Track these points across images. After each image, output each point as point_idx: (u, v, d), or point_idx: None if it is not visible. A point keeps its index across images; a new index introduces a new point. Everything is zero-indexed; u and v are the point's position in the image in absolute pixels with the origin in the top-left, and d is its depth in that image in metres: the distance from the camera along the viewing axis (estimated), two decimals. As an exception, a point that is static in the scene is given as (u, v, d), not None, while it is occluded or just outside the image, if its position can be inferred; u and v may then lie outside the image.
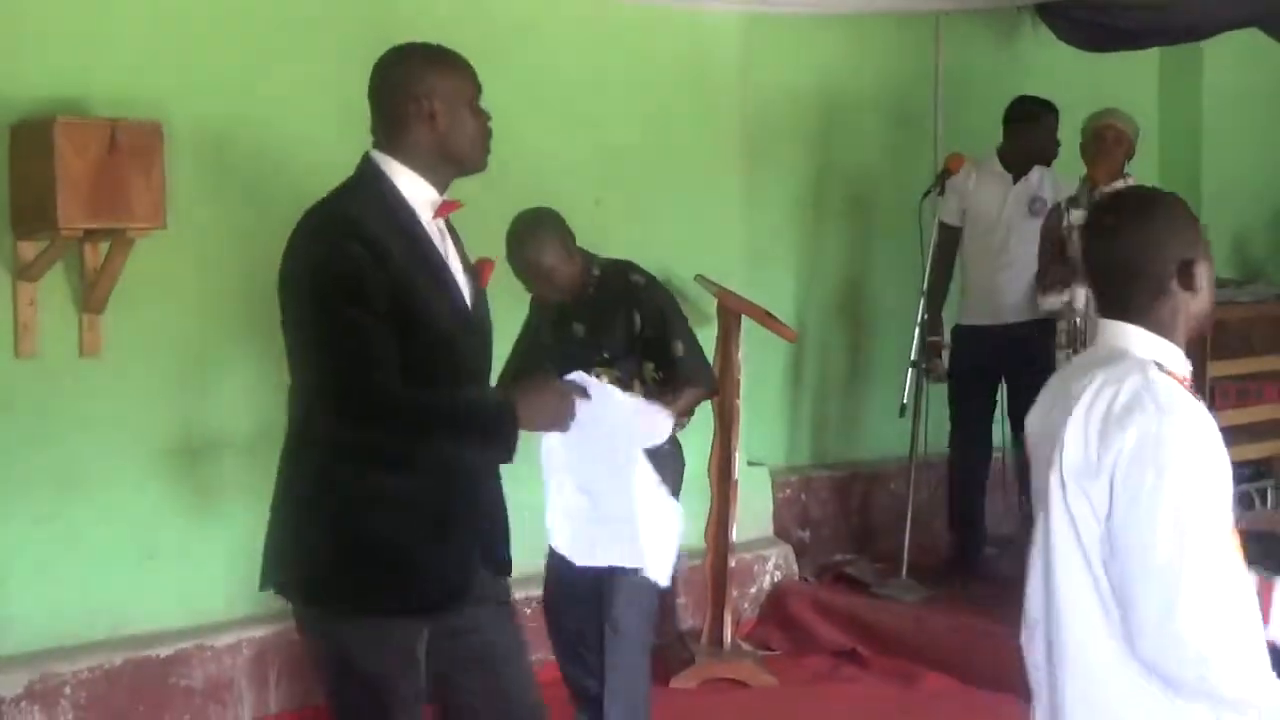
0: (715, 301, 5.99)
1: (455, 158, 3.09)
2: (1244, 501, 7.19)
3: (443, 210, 3.11)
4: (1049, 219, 6.06)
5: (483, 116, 3.13)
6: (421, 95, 3.03)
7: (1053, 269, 5.89)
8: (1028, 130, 6.52)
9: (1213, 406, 6.84)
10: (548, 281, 4.61)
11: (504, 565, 3.24)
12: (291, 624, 5.29)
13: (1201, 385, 6.79)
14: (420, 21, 5.66)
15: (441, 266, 3.07)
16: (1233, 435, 7.00)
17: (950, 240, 6.58)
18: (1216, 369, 6.59)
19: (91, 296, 4.96)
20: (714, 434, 5.92)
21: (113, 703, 4.98)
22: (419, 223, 3.05)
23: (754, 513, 6.52)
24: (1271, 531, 6.57)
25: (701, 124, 6.45)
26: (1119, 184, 5.88)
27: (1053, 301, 5.88)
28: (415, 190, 3.06)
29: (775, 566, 6.56)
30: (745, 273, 6.45)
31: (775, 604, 6.45)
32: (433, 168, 3.07)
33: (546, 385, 3.12)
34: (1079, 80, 7.21)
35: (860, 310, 7.39)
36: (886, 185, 7.23)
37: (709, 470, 5.93)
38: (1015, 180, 6.52)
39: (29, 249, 4.87)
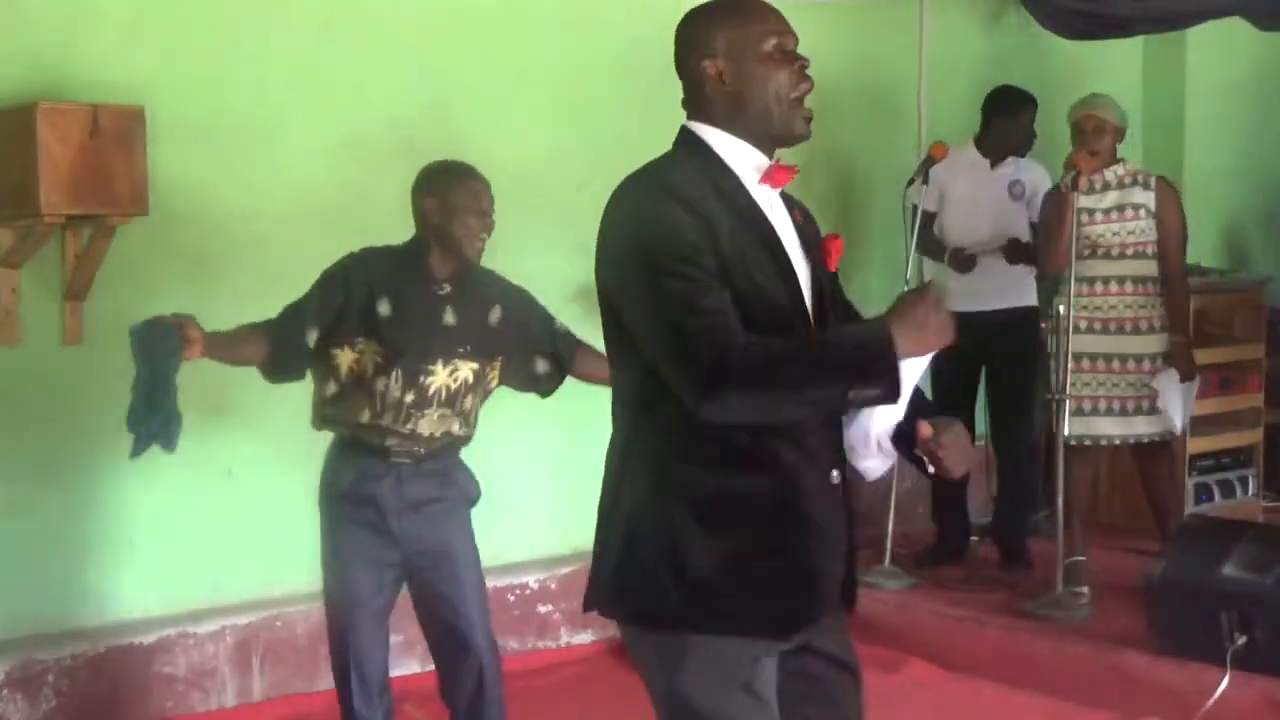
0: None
1: (758, 117, 2.71)
2: (1225, 489, 7.23)
3: (773, 177, 2.74)
4: (1046, 203, 6.05)
5: (784, 65, 2.72)
6: (705, 55, 2.71)
7: (1050, 247, 5.87)
8: (1007, 124, 6.55)
9: (1195, 395, 6.91)
10: (489, 231, 4.14)
11: (849, 588, 2.80)
12: (274, 610, 5.39)
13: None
14: (406, 6, 5.71)
15: (774, 240, 2.69)
16: (1215, 424, 7.13)
17: (929, 226, 6.59)
18: (1200, 358, 6.61)
19: (74, 283, 4.94)
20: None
21: (95, 690, 4.97)
22: (744, 190, 2.70)
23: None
24: (1251, 520, 6.61)
25: (685, 112, 6.43)
26: (1117, 169, 5.89)
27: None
28: (736, 155, 2.72)
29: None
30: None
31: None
32: (746, 131, 2.72)
33: (917, 298, 2.59)
34: (1062, 68, 7.22)
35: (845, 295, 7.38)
36: (870, 172, 7.24)
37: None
38: (993, 166, 6.54)
39: (9, 235, 4.85)
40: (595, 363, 4.05)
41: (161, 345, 3.73)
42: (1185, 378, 5.92)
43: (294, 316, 4.06)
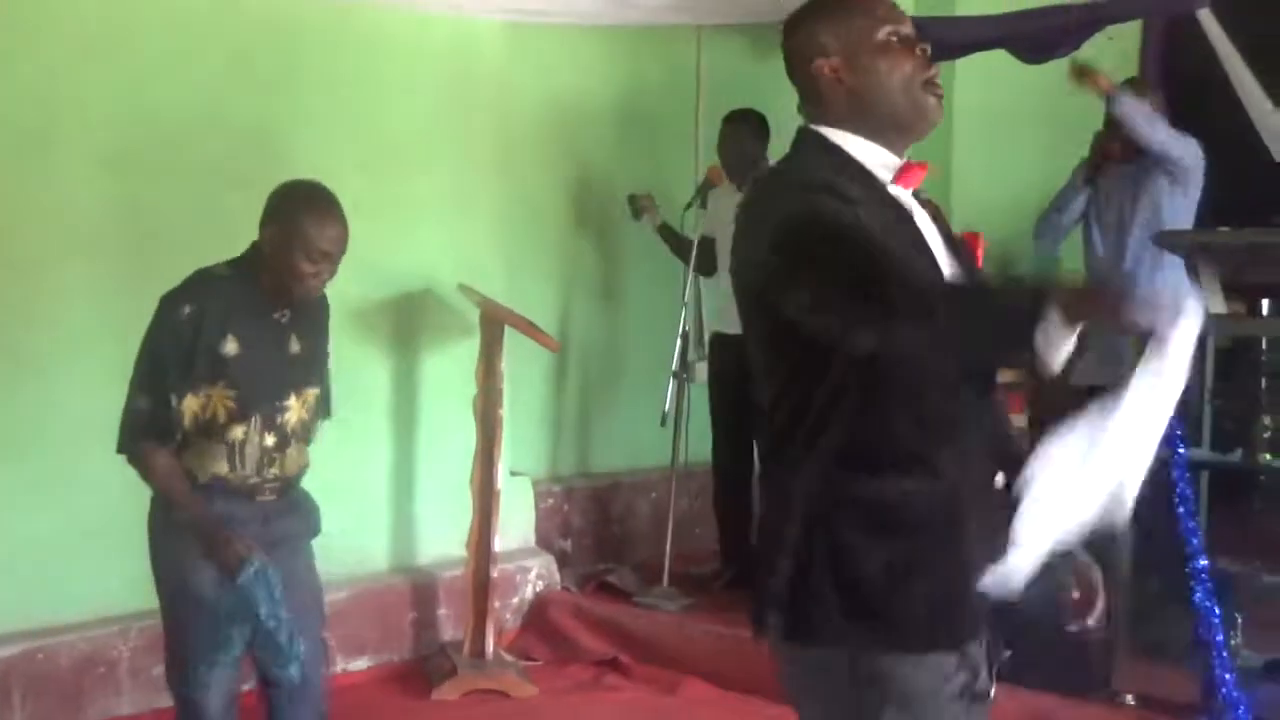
0: (478, 311, 5.96)
1: (885, 111, 2.54)
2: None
3: (907, 176, 2.57)
4: None
5: (905, 53, 2.56)
6: (816, 56, 2.56)
7: None
8: (720, 142, 6.63)
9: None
10: (330, 273, 3.84)
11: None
12: (35, 642, 5.18)
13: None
14: (175, 19, 5.57)
15: (923, 240, 2.52)
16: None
17: (709, 250, 6.65)
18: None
19: None
20: (476, 444, 5.90)
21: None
22: (883, 188, 2.54)
23: (516, 523, 6.51)
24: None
25: (465, 133, 6.41)
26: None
27: None
28: (868, 156, 2.56)
29: (538, 576, 6.54)
30: (507, 282, 6.43)
31: (537, 614, 6.43)
32: (873, 129, 2.55)
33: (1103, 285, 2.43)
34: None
35: (621, 320, 7.42)
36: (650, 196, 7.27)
37: (471, 481, 5.90)
38: (739, 190, 6.63)
39: None
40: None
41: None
42: None
43: (157, 390, 3.67)
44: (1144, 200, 6.13)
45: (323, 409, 4.03)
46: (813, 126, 2.62)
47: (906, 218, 2.53)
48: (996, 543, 2.42)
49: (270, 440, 3.78)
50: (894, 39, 2.56)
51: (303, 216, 3.73)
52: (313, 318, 3.94)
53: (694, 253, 6.50)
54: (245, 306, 3.74)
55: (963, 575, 2.44)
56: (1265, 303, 5.82)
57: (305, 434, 3.91)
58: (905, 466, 2.44)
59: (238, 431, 3.73)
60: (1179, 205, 6.13)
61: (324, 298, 3.99)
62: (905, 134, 2.58)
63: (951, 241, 2.61)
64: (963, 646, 2.49)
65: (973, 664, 2.52)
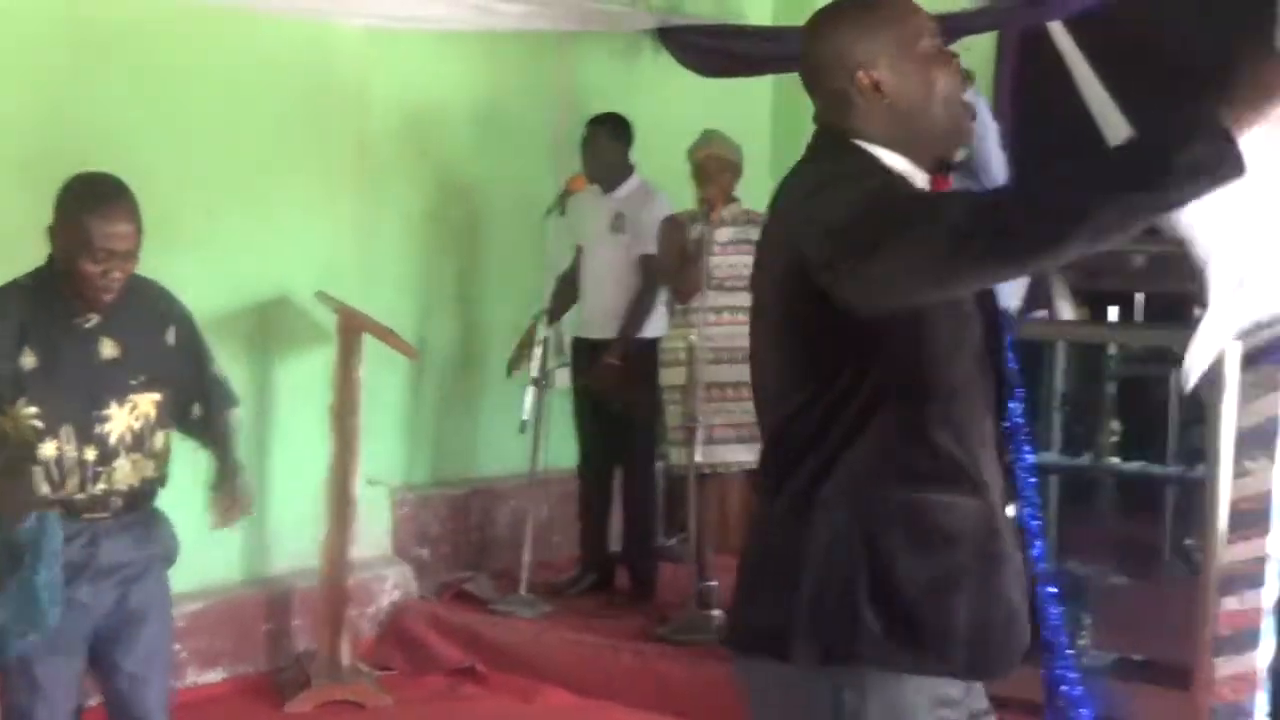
0: (336, 319, 5.90)
1: (924, 127, 2.42)
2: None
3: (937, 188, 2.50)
4: (663, 233, 6.18)
5: (944, 64, 2.43)
6: (856, 66, 2.40)
7: (686, 276, 6.00)
8: (583, 147, 6.63)
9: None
10: (123, 271, 3.57)
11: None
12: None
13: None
14: (13, 17, 5.43)
15: None
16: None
17: (566, 295, 6.67)
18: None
19: None
20: (332, 452, 5.83)
21: None
22: None
23: (373, 531, 6.45)
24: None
25: (323, 139, 6.33)
26: (733, 207, 6.08)
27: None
28: (902, 167, 2.42)
29: (394, 585, 6.49)
30: (365, 289, 6.36)
31: (394, 623, 6.38)
32: (907, 145, 2.42)
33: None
34: (699, 104, 7.38)
35: (481, 327, 7.38)
36: (509, 203, 7.25)
37: (327, 489, 5.83)
38: (604, 194, 6.64)
39: None
40: (228, 431, 3.84)
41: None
42: None
43: None
44: None
45: (177, 414, 3.77)
46: (837, 132, 2.46)
47: None
48: (1018, 569, 2.41)
49: (90, 454, 3.55)
50: (935, 49, 2.44)
51: (83, 213, 3.50)
52: (138, 317, 3.68)
53: (554, 297, 6.52)
54: (44, 316, 3.54)
55: (1003, 597, 2.37)
56: (1113, 309, 5.95)
57: (142, 445, 3.65)
58: (948, 477, 2.34)
59: (49, 448, 3.52)
60: None
61: (161, 291, 3.81)
62: (939, 150, 2.48)
63: None
64: (996, 674, 2.40)
65: (968, 707, 2.42)
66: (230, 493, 3.83)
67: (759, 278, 2.50)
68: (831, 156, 2.45)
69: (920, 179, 2.44)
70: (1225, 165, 1.99)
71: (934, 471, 2.33)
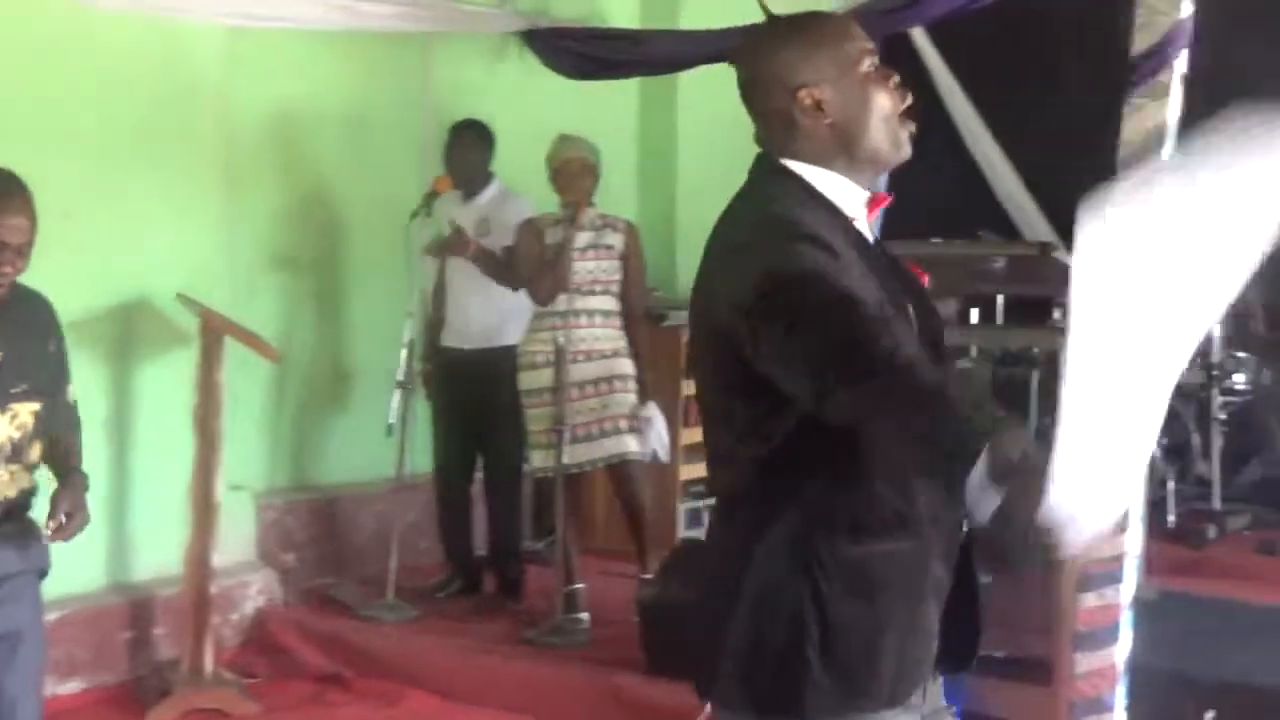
0: (197, 322, 5.82)
1: (866, 146, 2.42)
2: (700, 516, 7.54)
3: (874, 209, 2.50)
4: (522, 237, 6.18)
5: (884, 83, 2.43)
6: (798, 85, 2.40)
7: (544, 282, 6.01)
8: (448, 151, 6.64)
9: (686, 424, 7.20)
10: (14, 267, 3.50)
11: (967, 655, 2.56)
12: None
13: (674, 404, 7.10)
14: None
15: (893, 283, 2.41)
16: (702, 451, 7.42)
17: (439, 300, 6.66)
18: (689, 388, 6.83)
19: None
20: (194, 458, 5.75)
21: None
22: (856, 229, 2.43)
23: (236, 537, 6.36)
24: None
25: (186, 139, 6.24)
26: (591, 211, 6.10)
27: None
28: (840, 194, 2.43)
29: (259, 592, 6.41)
30: (228, 292, 6.28)
31: (258, 630, 6.31)
32: (848, 164, 2.43)
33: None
34: (565, 107, 7.38)
35: (347, 330, 7.32)
36: (375, 205, 7.20)
37: (189, 495, 5.75)
38: (468, 201, 6.63)
39: None
40: (72, 452, 3.70)
41: None
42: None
43: None
44: None
45: (53, 423, 3.65)
46: (776, 159, 2.46)
47: (878, 258, 2.43)
48: (946, 588, 2.44)
49: None
50: (874, 69, 2.44)
51: None
52: (24, 323, 3.58)
53: (429, 307, 6.49)
54: None
55: (924, 625, 2.41)
56: (974, 311, 6.05)
57: (20, 455, 3.54)
58: (888, 528, 2.34)
59: None
60: None
61: (47, 302, 3.71)
62: (878, 167, 2.49)
63: (903, 277, 2.52)
64: (911, 695, 2.43)
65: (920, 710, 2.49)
66: (68, 508, 3.60)
67: (700, 300, 2.47)
68: (762, 193, 2.45)
69: (858, 198, 2.45)
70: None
71: (873, 522, 2.34)
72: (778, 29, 2.48)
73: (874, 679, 2.35)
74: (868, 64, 2.43)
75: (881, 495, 2.34)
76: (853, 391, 2.13)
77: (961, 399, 2.10)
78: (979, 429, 2.05)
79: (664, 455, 6.27)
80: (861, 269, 2.33)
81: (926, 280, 2.60)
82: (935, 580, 2.42)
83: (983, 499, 2.05)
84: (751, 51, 2.49)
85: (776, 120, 2.45)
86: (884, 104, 2.43)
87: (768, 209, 2.40)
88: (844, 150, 2.42)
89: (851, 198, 2.45)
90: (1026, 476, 1.98)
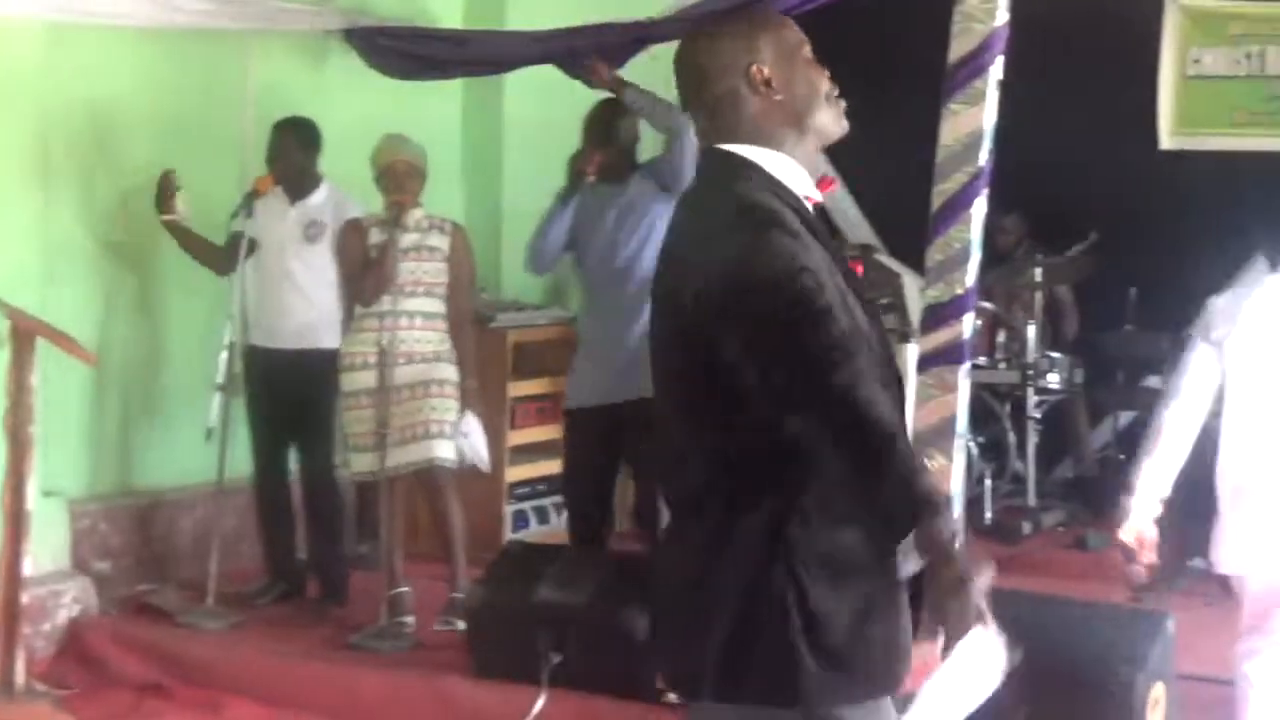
0: (7, 323, 5.66)
1: (812, 124, 2.58)
2: (541, 516, 7.55)
3: (823, 188, 2.68)
4: (344, 237, 6.13)
5: (819, 68, 2.63)
6: (750, 63, 2.56)
7: (367, 282, 5.95)
8: (270, 150, 6.55)
9: (513, 425, 7.21)
10: None
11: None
12: None
13: (501, 405, 7.09)
14: None
15: (845, 268, 2.56)
16: (532, 452, 7.44)
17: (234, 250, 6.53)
18: (518, 389, 6.85)
19: None
20: (4, 464, 5.59)
21: None
22: (807, 211, 2.54)
23: (49, 545, 6.22)
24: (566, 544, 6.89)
25: (-1, 136, 6.09)
26: (416, 213, 6.05)
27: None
28: (791, 177, 2.56)
29: (73, 600, 6.26)
30: (41, 293, 6.13)
31: (73, 640, 6.16)
32: (795, 144, 2.57)
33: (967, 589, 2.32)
34: (389, 107, 7.33)
35: (166, 332, 7.18)
36: (195, 205, 7.05)
37: (-1, 502, 5.60)
38: (293, 203, 6.54)
39: None
40: None
41: None
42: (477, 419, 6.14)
43: None
44: (635, 214, 6.06)
45: None
46: (726, 147, 2.58)
47: (830, 244, 2.54)
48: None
49: None
50: (812, 56, 2.63)
51: None
52: None
53: (242, 251, 6.35)
54: None
55: (904, 615, 2.50)
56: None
57: None
58: (857, 514, 2.40)
59: None
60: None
61: None
62: (821, 142, 2.64)
63: (843, 263, 2.60)
64: (899, 688, 2.50)
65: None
66: None
67: (663, 287, 2.56)
68: (725, 181, 2.54)
69: (807, 180, 2.58)
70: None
71: (848, 508, 2.40)
72: (720, 23, 2.66)
73: (866, 664, 2.43)
74: (806, 50, 2.63)
75: (849, 482, 2.39)
76: (811, 416, 2.32)
77: (909, 454, 2.30)
78: (917, 496, 2.26)
79: (482, 466, 6.22)
80: (821, 252, 2.46)
81: (860, 269, 2.70)
82: (905, 568, 2.48)
83: (906, 562, 2.32)
84: (697, 43, 2.64)
85: (726, 103, 2.57)
86: (824, 84, 2.61)
87: (736, 195, 2.49)
88: (794, 126, 2.58)
89: (801, 180, 2.58)
90: (953, 579, 2.25)
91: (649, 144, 6.45)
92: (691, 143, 6.28)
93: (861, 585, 2.42)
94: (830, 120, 2.61)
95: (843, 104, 2.64)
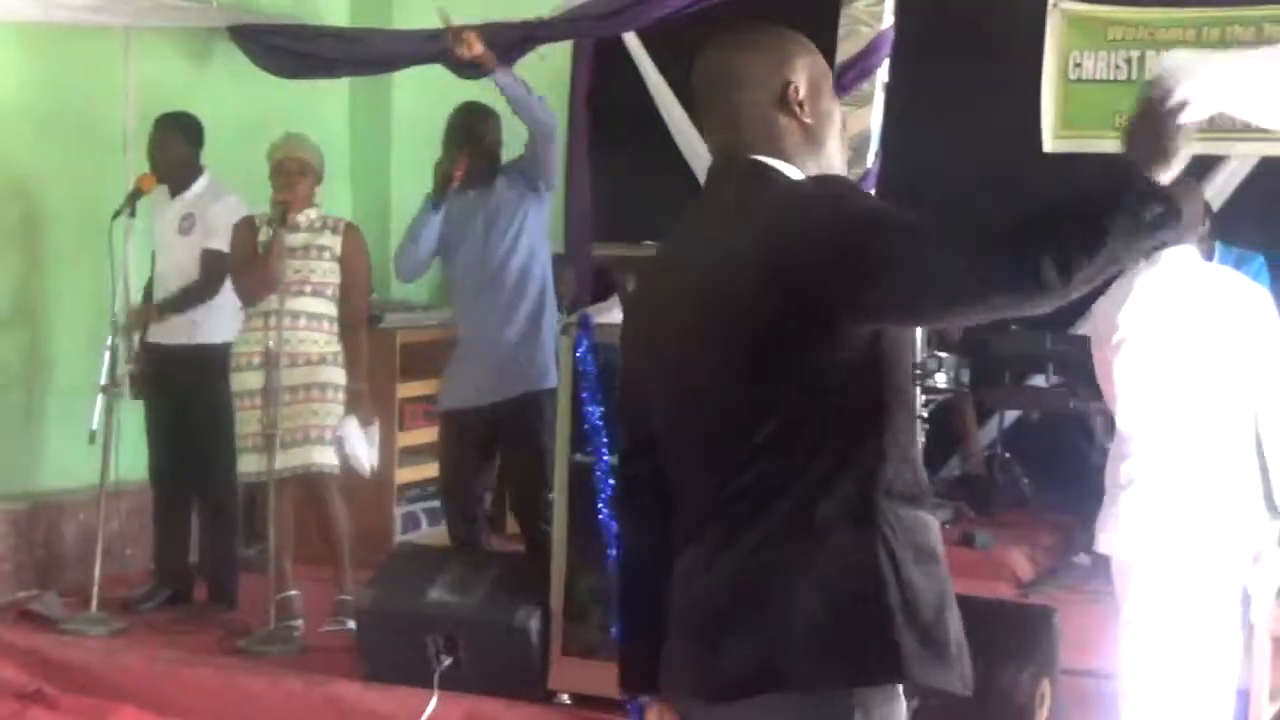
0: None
1: (824, 157, 2.52)
2: (432, 517, 7.51)
3: None
4: (236, 233, 6.07)
5: (837, 104, 2.58)
6: (788, 79, 2.48)
7: (249, 281, 5.91)
8: (152, 146, 6.47)
9: (402, 427, 7.16)
10: None
11: None
12: None
13: (390, 407, 7.05)
14: None
15: None
16: (422, 454, 7.40)
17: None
18: (408, 390, 6.80)
19: None
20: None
21: None
22: None
23: (-74, 551, 6.09)
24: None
25: None
26: (310, 212, 5.99)
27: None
28: None
29: (-48, 607, 6.15)
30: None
31: (-48, 648, 6.04)
32: (807, 167, 2.49)
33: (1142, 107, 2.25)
34: (275, 105, 7.27)
35: (45, 333, 7.06)
36: (74, 204, 6.96)
37: None
38: (174, 197, 6.48)
39: None
40: None
41: None
42: (364, 423, 6.07)
43: None
44: (504, 217, 6.04)
45: None
46: (759, 158, 2.48)
47: None
48: None
49: None
50: (834, 92, 2.59)
51: None
52: None
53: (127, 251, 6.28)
54: None
55: (958, 613, 2.44)
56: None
57: None
58: (923, 493, 2.42)
59: None
60: (542, 213, 6.18)
61: None
62: (823, 171, 2.54)
63: None
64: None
65: None
66: None
67: (696, 310, 2.44)
68: (771, 181, 2.45)
69: None
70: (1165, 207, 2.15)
71: (915, 488, 2.40)
72: (762, 31, 2.55)
73: (949, 649, 2.38)
74: (830, 80, 2.57)
75: (914, 461, 2.41)
76: (985, 279, 2.23)
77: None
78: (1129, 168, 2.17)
79: (362, 470, 6.14)
80: None
81: None
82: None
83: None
84: (738, 50, 2.53)
85: (754, 113, 2.49)
86: (840, 116, 2.56)
87: (795, 182, 2.45)
88: (812, 150, 2.50)
89: None
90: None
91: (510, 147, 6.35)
92: (558, 140, 6.30)
93: (939, 572, 2.41)
94: (838, 151, 2.56)
95: (847, 138, 2.63)
